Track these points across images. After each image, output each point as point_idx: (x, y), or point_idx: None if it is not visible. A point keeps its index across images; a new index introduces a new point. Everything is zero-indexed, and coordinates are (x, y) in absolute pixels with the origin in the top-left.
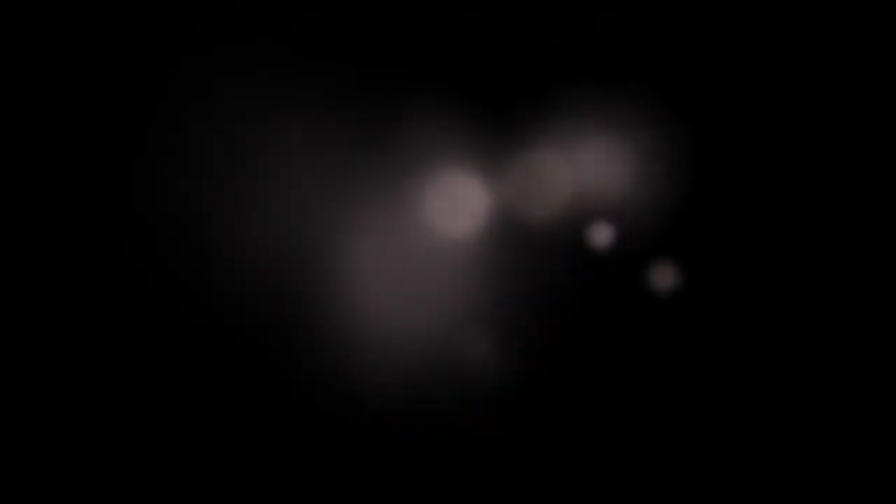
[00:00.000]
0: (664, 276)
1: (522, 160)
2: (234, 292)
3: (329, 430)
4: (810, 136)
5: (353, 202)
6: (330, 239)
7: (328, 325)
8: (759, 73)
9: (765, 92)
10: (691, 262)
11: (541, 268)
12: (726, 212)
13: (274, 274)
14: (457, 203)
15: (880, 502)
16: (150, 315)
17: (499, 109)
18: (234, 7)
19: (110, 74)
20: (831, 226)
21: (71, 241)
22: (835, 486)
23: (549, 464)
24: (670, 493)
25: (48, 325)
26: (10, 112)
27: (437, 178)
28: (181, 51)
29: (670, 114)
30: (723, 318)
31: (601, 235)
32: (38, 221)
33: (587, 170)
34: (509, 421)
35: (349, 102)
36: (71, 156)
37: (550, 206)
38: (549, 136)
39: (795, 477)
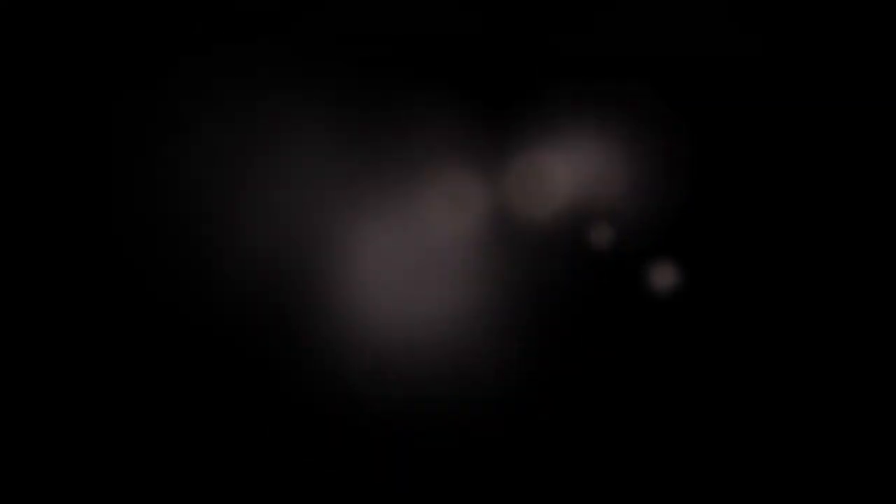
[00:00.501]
0: (664, 276)
1: (522, 160)
2: (234, 292)
3: (329, 430)
4: (810, 136)
5: (352, 202)
6: (329, 239)
7: (328, 324)
8: (759, 73)
9: (765, 92)
10: (691, 262)
11: (541, 268)
12: (726, 212)
13: (273, 274)
14: (456, 203)
15: (880, 502)
16: (150, 315)
17: (499, 109)
18: (234, 7)
19: (110, 74)
20: (831, 226)
21: (71, 241)
22: (835, 486)
23: (549, 464)
24: (670, 493)
25: (48, 323)
26: (10, 112)
27: (437, 178)
28: (181, 51)
29: (670, 114)
30: (722, 318)
31: (601, 235)
32: (38, 221)
33: (587, 170)
34: (509, 421)
35: (349, 102)
36: (71, 156)
37: (550, 206)
38: (549, 136)
39: (795, 477)
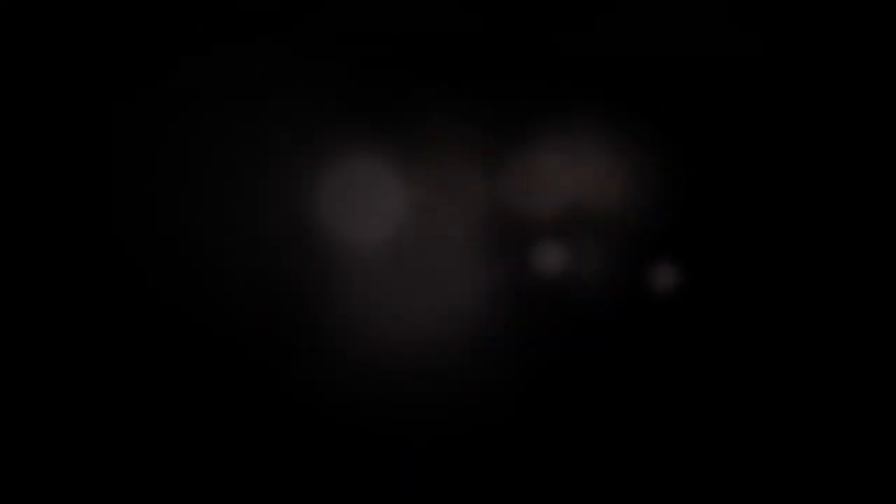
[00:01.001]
0: (664, 277)
1: (522, 160)
2: (232, 292)
3: (327, 430)
4: (810, 136)
5: (351, 201)
6: (327, 237)
7: (324, 324)
8: (759, 73)
9: (765, 92)
10: (691, 262)
11: (538, 268)
12: (726, 212)
13: (272, 272)
14: (455, 202)
15: (880, 502)
16: (149, 315)
17: (498, 109)
18: (234, 7)
19: (110, 74)
20: (831, 226)
21: (70, 241)
22: (835, 486)
23: (548, 464)
24: (670, 493)
25: (47, 325)
26: (10, 112)
27: (436, 179)
28: (181, 51)
29: (670, 114)
30: (722, 319)
31: (599, 236)
32: (38, 221)
33: (587, 170)
34: (509, 421)
35: (349, 102)
36: (71, 156)
37: (549, 206)
38: (550, 136)
39: (795, 477)
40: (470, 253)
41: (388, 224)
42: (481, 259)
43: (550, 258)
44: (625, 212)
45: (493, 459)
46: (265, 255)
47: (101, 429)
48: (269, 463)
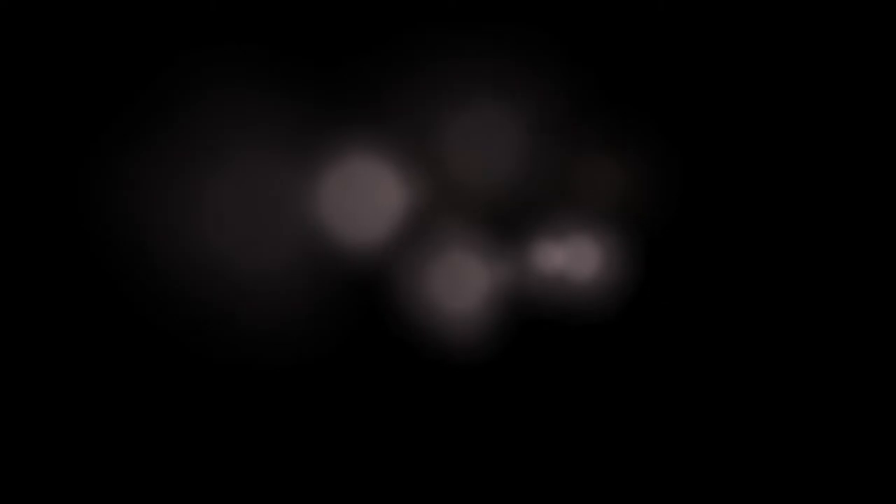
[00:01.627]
0: (662, 277)
1: (519, 161)
2: (227, 293)
3: (323, 431)
4: (810, 136)
5: (349, 201)
6: (322, 236)
7: (313, 326)
8: (759, 73)
9: (765, 91)
10: (690, 262)
11: (536, 268)
12: (725, 212)
13: (261, 270)
14: (453, 203)
15: (880, 502)
16: (148, 316)
17: (496, 109)
18: (235, 7)
19: (109, 74)
20: (831, 226)
21: (62, 240)
22: (835, 487)
23: (545, 463)
24: (669, 494)
25: (40, 325)
26: (9, 112)
27: (432, 180)
28: (181, 51)
29: (668, 116)
30: (722, 320)
31: (597, 236)
32: (36, 221)
33: (585, 171)
34: (506, 420)
35: (348, 102)
36: (70, 155)
37: (547, 206)
38: (546, 136)
39: (795, 477)
40: (465, 253)
41: (386, 222)
42: (476, 259)
43: (544, 258)
44: (623, 212)
45: (488, 459)
46: (265, 256)
47: (101, 428)
48: (270, 463)
